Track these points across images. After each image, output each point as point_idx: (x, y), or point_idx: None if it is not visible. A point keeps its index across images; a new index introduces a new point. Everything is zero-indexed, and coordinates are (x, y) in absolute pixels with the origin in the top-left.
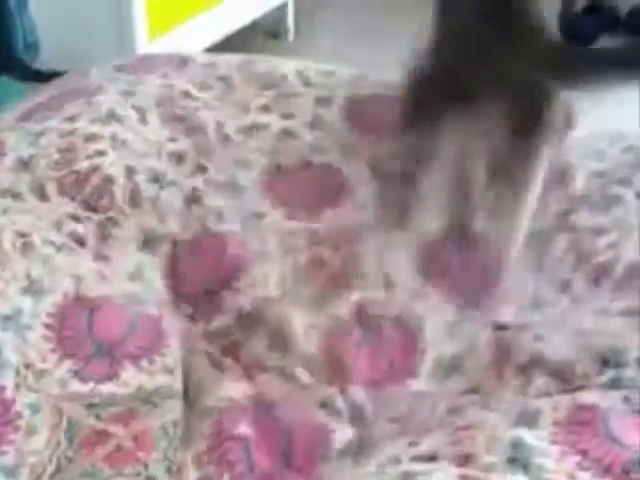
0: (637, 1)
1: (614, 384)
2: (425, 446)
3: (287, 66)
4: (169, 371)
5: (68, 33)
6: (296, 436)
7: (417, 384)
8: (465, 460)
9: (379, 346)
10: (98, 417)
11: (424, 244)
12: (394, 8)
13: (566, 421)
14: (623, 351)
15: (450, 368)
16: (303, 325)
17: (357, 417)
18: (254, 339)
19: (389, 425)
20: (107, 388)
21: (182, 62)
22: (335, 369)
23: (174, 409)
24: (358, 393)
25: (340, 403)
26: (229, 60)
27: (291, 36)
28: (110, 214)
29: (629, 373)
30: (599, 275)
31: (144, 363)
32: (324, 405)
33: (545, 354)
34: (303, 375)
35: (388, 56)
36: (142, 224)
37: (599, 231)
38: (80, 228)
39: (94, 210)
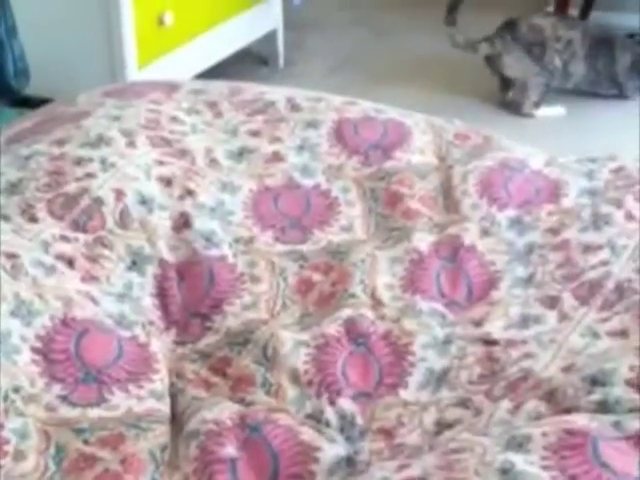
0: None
1: (603, 405)
2: (415, 469)
3: (276, 93)
4: (157, 396)
5: (59, 61)
6: (282, 455)
7: (406, 394)
8: None
9: (368, 360)
10: (86, 441)
11: (412, 260)
12: (383, 34)
13: (556, 446)
14: (612, 372)
15: (439, 381)
16: (292, 341)
17: (346, 428)
18: (242, 355)
19: (378, 436)
20: (95, 413)
21: (171, 88)
22: (324, 382)
23: (162, 433)
24: (347, 404)
25: (329, 414)
26: (218, 86)
27: (281, 62)
28: (99, 234)
29: (618, 393)
30: (588, 293)
31: (132, 388)
32: (312, 417)
33: (534, 372)
34: (291, 389)
35: (377, 81)
36: (131, 245)
37: (589, 249)
38: (69, 249)
39: (83, 231)
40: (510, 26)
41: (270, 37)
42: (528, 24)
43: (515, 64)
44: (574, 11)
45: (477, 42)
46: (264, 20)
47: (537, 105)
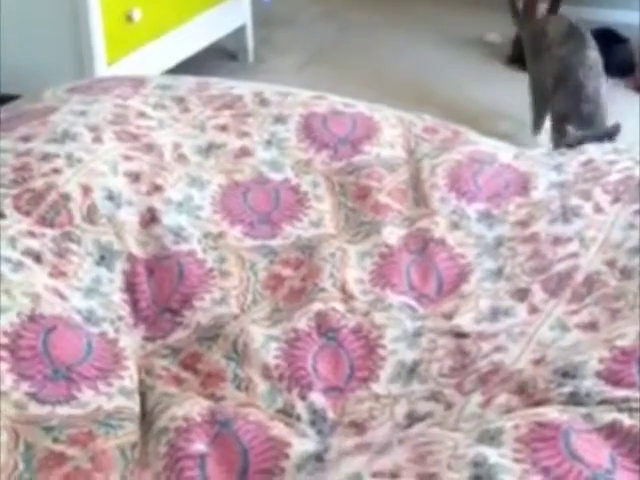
0: (592, 25)
1: (574, 397)
2: (386, 463)
3: (243, 87)
4: (126, 393)
5: (27, 59)
6: (252, 451)
7: (377, 387)
8: (428, 477)
9: (339, 354)
10: (56, 439)
11: (382, 254)
12: (353, 29)
13: (528, 439)
14: (582, 364)
15: (410, 374)
16: (262, 337)
17: (318, 422)
18: (212, 350)
19: (349, 430)
20: (65, 410)
21: (138, 83)
22: (294, 376)
23: (132, 431)
24: (318, 399)
25: (300, 409)
26: (185, 81)
27: (251, 58)
28: (67, 229)
29: (588, 386)
30: (558, 285)
31: (101, 385)
32: (283, 412)
33: (505, 365)
34: (261, 384)
35: (347, 76)
36: (99, 240)
37: (559, 241)
38: (36, 244)
39: (50, 226)
40: None
41: (239, 33)
42: None
43: None
44: (544, 6)
45: None
46: (233, 16)
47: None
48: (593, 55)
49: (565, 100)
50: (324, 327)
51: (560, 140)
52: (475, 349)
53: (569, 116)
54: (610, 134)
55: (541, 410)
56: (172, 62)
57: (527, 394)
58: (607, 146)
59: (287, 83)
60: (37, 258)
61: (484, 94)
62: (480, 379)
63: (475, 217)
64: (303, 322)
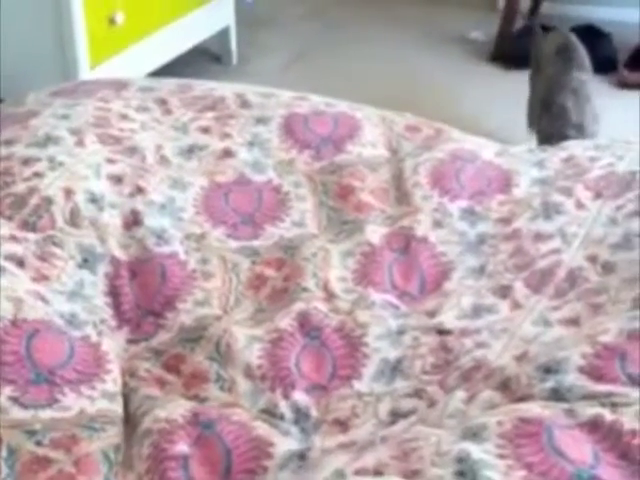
0: (575, 21)
1: (556, 393)
2: (369, 460)
3: (225, 89)
4: (109, 396)
5: (10, 63)
6: (236, 451)
7: (360, 385)
8: (412, 474)
9: (322, 353)
10: (39, 443)
11: (364, 253)
12: (337, 29)
13: (511, 434)
14: (564, 360)
15: (393, 371)
16: (245, 337)
17: (301, 420)
18: (196, 352)
19: (333, 427)
20: (47, 414)
21: (120, 86)
22: (278, 376)
23: (115, 434)
24: (302, 397)
25: (284, 408)
26: (167, 83)
27: (234, 60)
28: (49, 233)
29: (570, 381)
30: (540, 282)
31: (84, 389)
32: (267, 412)
33: (488, 361)
34: (245, 384)
35: (331, 76)
36: (82, 243)
37: (540, 237)
38: (19, 249)
39: (33, 230)
40: None
41: (223, 34)
42: None
43: None
44: (525, 5)
45: None
46: (216, 17)
47: None
48: (580, 77)
49: (549, 122)
50: (307, 326)
51: None
52: (458, 346)
53: (553, 137)
54: None
55: (524, 406)
56: (156, 65)
57: (510, 390)
58: (588, 142)
59: (271, 84)
60: (20, 263)
61: (467, 91)
62: (463, 376)
63: (457, 215)
64: (286, 322)
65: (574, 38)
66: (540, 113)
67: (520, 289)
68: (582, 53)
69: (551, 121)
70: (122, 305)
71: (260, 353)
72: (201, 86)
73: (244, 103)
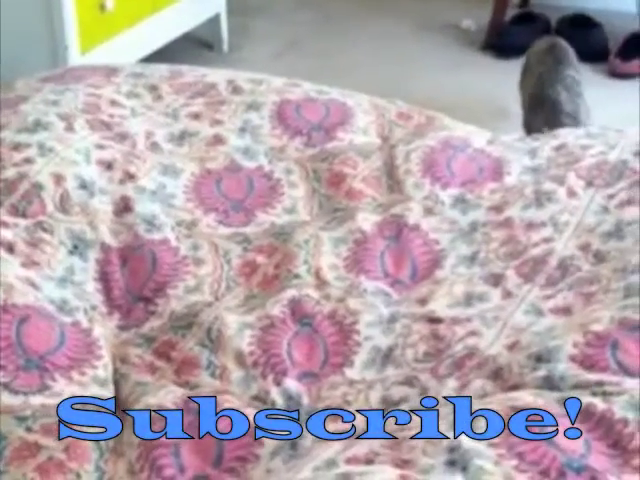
0: (566, 11)
1: (548, 381)
2: (361, 449)
3: (216, 75)
4: (100, 382)
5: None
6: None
7: (352, 373)
8: (403, 463)
9: (314, 340)
10: (29, 429)
11: (356, 240)
12: (329, 17)
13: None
14: (556, 349)
15: (385, 359)
16: (237, 324)
17: (293, 408)
18: (187, 338)
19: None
20: (38, 400)
21: (110, 72)
22: (269, 363)
23: None
24: (293, 385)
25: (275, 395)
26: (158, 69)
27: (225, 47)
28: (39, 219)
29: (562, 370)
30: (532, 270)
31: (75, 374)
32: (258, 399)
33: (480, 349)
34: (236, 371)
35: (323, 64)
36: (72, 229)
37: (532, 226)
38: (9, 234)
39: (23, 216)
40: None
41: (214, 21)
42: None
43: None
44: None
45: None
46: (207, 5)
47: None
48: (571, 73)
49: (544, 118)
50: (299, 313)
51: None
52: (449, 334)
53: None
54: None
55: (516, 394)
56: (146, 51)
57: (502, 379)
58: (580, 131)
59: (263, 72)
60: (10, 248)
61: (459, 80)
62: (455, 364)
63: (449, 202)
64: (277, 309)
65: (562, 41)
66: (535, 109)
67: (512, 277)
68: (571, 53)
69: (545, 115)
70: (113, 291)
71: (251, 340)
72: (192, 72)
73: (235, 89)
